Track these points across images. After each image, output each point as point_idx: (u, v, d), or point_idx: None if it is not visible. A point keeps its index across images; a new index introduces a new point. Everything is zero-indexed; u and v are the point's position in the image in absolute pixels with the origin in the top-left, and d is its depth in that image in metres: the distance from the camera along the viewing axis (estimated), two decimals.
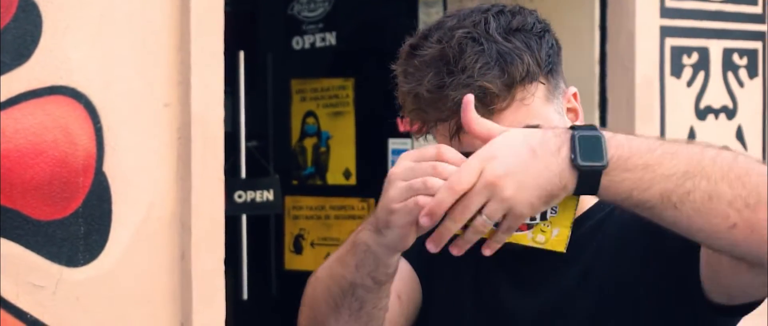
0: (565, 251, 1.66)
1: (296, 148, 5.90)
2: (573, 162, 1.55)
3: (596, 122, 4.63)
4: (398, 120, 4.55)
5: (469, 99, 1.62)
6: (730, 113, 4.85)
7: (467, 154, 1.59)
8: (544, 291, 1.85)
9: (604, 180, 1.56)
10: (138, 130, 3.14)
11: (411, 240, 1.62)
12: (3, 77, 2.89)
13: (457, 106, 1.69)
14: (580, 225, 1.80)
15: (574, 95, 1.87)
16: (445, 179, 1.54)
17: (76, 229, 3.01)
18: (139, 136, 3.14)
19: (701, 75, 4.75)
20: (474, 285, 1.90)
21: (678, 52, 4.67)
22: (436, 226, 1.57)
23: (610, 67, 4.64)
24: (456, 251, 1.60)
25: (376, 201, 1.63)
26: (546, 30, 1.81)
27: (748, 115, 4.88)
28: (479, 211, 1.55)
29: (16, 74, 2.91)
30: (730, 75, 4.84)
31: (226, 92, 3.35)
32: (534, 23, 1.79)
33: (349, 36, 5.75)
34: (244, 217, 5.41)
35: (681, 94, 4.70)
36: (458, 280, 1.91)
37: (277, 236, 6.01)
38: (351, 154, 5.66)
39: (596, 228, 1.86)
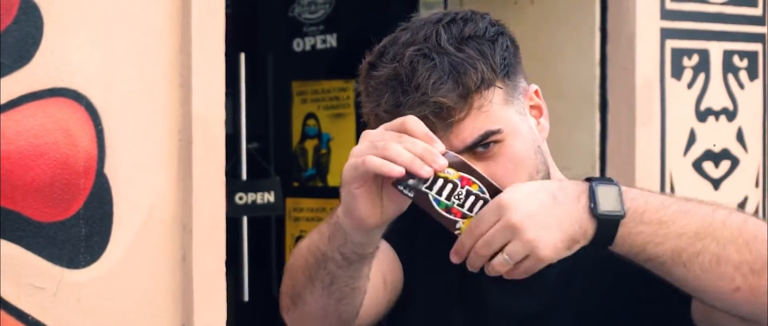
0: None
1: (297, 150, 5.91)
2: (592, 210, 1.57)
3: (596, 124, 4.63)
4: None
5: None
6: (731, 115, 4.85)
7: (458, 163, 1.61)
8: (527, 295, 1.86)
9: (622, 231, 1.58)
10: (139, 131, 3.14)
11: (366, 207, 1.61)
12: (4, 79, 2.89)
13: None
14: None
15: (536, 92, 1.88)
16: (407, 148, 1.56)
17: (77, 231, 3.02)
18: (140, 138, 3.14)
19: (701, 77, 4.75)
20: (462, 283, 1.90)
21: (678, 54, 4.67)
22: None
23: (610, 69, 4.64)
24: (457, 260, 1.61)
25: None
26: (499, 33, 1.81)
27: (749, 117, 4.88)
28: (501, 249, 1.57)
29: (17, 76, 2.91)
30: (730, 77, 4.84)
31: (226, 94, 3.35)
32: (486, 28, 1.79)
33: (349, 38, 5.75)
34: (245, 219, 5.41)
35: (681, 95, 4.70)
36: (446, 275, 1.91)
37: (278, 238, 6.01)
38: None
39: None
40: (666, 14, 4.63)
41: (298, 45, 5.90)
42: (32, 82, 2.94)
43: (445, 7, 5.06)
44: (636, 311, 1.82)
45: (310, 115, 5.83)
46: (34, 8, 2.94)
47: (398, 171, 1.56)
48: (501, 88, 1.77)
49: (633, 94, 4.57)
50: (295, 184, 5.92)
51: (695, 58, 4.73)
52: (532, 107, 1.86)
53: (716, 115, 4.81)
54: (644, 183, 4.50)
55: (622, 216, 1.57)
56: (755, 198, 4.92)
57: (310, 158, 5.85)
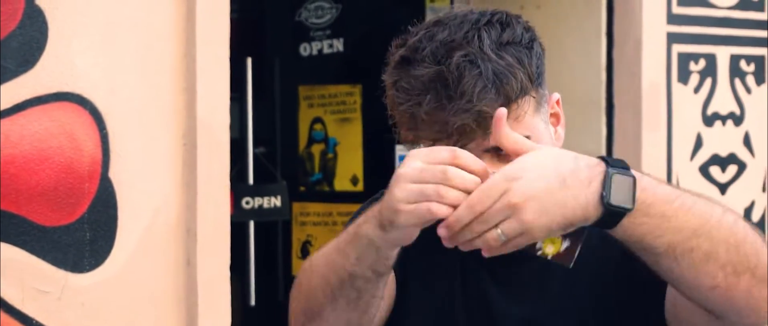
0: (571, 266, 1.65)
1: (303, 155, 5.91)
2: (603, 199, 1.56)
3: (603, 129, 4.62)
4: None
5: (502, 113, 1.63)
6: (738, 119, 4.85)
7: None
8: (530, 300, 1.86)
9: (625, 221, 1.57)
10: (143, 136, 3.14)
11: (415, 236, 1.61)
12: (9, 83, 2.90)
13: (454, 130, 1.71)
14: None
15: (557, 102, 1.88)
16: (456, 187, 1.54)
17: (81, 235, 3.02)
18: (144, 142, 3.15)
19: (708, 81, 4.75)
20: (463, 290, 1.89)
21: (685, 59, 4.67)
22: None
23: (616, 73, 4.63)
24: (446, 234, 1.60)
25: None
26: (533, 38, 1.82)
27: (756, 122, 4.87)
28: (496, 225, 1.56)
29: (22, 80, 2.92)
30: (737, 81, 4.83)
31: (233, 98, 3.35)
32: (522, 34, 1.79)
33: (356, 42, 5.75)
34: (251, 224, 5.41)
35: (688, 100, 4.69)
36: (445, 283, 1.91)
37: (284, 242, 6.01)
38: (358, 161, 5.66)
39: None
40: (672, 19, 4.62)
41: (305, 49, 5.91)
42: (37, 87, 2.95)
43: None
44: (627, 310, 1.83)
45: (317, 120, 5.83)
46: (38, 13, 2.95)
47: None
48: (533, 97, 1.78)
49: (639, 99, 4.56)
50: (302, 189, 5.92)
51: (702, 63, 4.72)
52: (551, 116, 1.86)
53: (723, 119, 4.80)
54: None
55: (629, 211, 1.56)
56: (762, 203, 4.91)
57: (316, 162, 5.85)
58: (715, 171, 4.79)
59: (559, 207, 1.54)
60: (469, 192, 1.54)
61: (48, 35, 2.96)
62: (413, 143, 1.80)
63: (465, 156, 1.56)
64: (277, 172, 5.76)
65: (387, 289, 1.83)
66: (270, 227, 5.89)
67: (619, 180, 1.56)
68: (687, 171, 4.69)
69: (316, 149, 5.85)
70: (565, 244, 1.64)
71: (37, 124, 2.93)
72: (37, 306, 2.96)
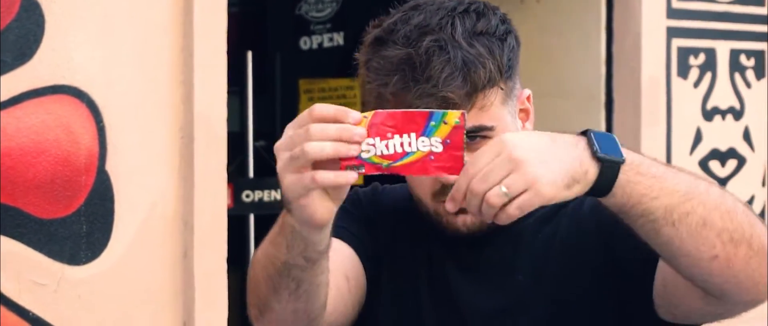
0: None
1: None
2: (594, 153, 1.57)
3: (602, 123, 4.62)
4: None
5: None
6: (737, 114, 4.85)
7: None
8: (496, 289, 1.86)
9: (622, 178, 1.58)
10: (140, 129, 3.15)
11: (320, 210, 1.57)
12: (5, 76, 2.90)
13: None
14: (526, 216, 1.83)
15: (528, 98, 1.89)
16: (321, 139, 1.53)
17: (78, 228, 3.02)
18: (141, 135, 3.15)
19: (708, 76, 4.75)
20: (429, 279, 1.89)
21: (685, 53, 4.67)
22: None
23: (616, 67, 4.64)
24: (452, 207, 1.59)
25: None
26: (508, 31, 1.82)
27: (755, 116, 4.87)
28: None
29: (19, 73, 2.92)
30: (737, 76, 4.83)
31: (234, 92, 3.35)
32: (497, 25, 1.80)
33: (357, 36, 5.72)
34: (251, 217, 5.42)
35: (688, 94, 4.69)
36: (412, 271, 1.91)
37: None
38: None
39: (544, 221, 1.88)
40: (672, 13, 4.62)
41: (306, 43, 5.91)
42: (33, 80, 2.95)
43: None
44: (605, 295, 1.83)
45: None
46: (35, 6, 2.95)
47: (330, 178, 1.53)
48: (502, 90, 1.79)
49: (639, 93, 4.56)
50: None
51: (702, 57, 4.72)
52: (520, 111, 1.87)
53: (723, 114, 4.80)
54: None
55: (622, 162, 1.57)
56: (762, 198, 4.91)
57: None
58: (714, 165, 4.79)
59: (557, 161, 1.54)
60: (338, 140, 1.53)
61: (45, 28, 2.96)
62: None
63: (319, 108, 1.55)
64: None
65: (352, 282, 1.83)
66: (270, 221, 5.87)
67: (601, 136, 1.59)
68: (686, 165, 4.68)
69: None
70: None
71: (34, 117, 2.94)
72: (34, 298, 2.96)
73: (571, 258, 1.84)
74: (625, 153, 1.59)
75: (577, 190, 1.57)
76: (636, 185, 1.58)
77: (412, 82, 1.73)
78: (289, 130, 1.57)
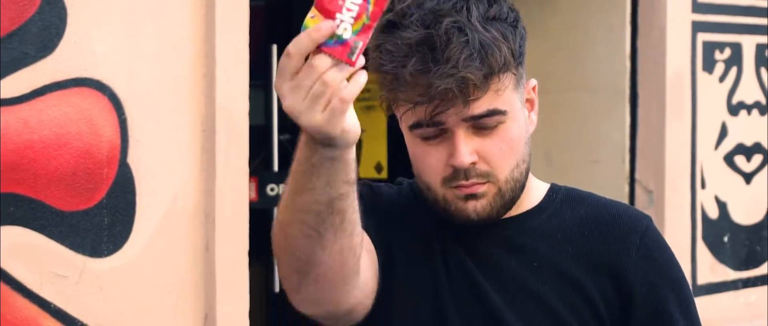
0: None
1: None
2: None
3: (627, 118, 4.61)
4: None
5: None
6: (763, 109, 4.82)
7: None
8: (504, 278, 1.88)
9: None
10: (162, 121, 3.16)
11: (352, 119, 1.61)
12: (28, 69, 2.91)
13: (436, 94, 1.74)
14: (537, 214, 1.88)
15: (534, 88, 1.91)
16: (334, 78, 1.57)
17: (100, 220, 3.04)
18: (163, 128, 3.16)
19: (733, 70, 4.73)
20: (443, 259, 1.90)
21: (710, 48, 4.65)
22: None
23: (641, 62, 4.62)
24: None
25: None
26: (517, 19, 1.84)
27: None
28: None
29: (41, 66, 2.93)
30: (762, 70, 4.81)
31: (258, 85, 3.35)
32: (508, 12, 1.82)
33: None
34: (276, 210, 5.42)
35: (713, 89, 4.67)
36: (427, 253, 1.91)
37: None
38: (383, 148, 5.66)
39: (554, 215, 1.92)
40: (697, 7, 4.60)
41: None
42: (56, 72, 2.96)
43: None
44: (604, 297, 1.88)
45: None
46: None
47: (354, 89, 1.58)
48: (514, 75, 1.81)
49: (664, 88, 4.55)
50: None
51: (727, 52, 4.70)
52: (526, 100, 1.89)
53: (748, 108, 4.78)
54: (674, 176, 4.48)
55: None
56: None
57: None
58: (740, 160, 4.77)
59: None
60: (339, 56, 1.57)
61: (67, 21, 2.97)
62: (386, 110, 1.85)
63: (294, 52, 1.62)
64: None
65: (372, 256, 1.84)
66: None
67: None
68: (711, 160, 4.67)
69: None
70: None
71: (56, 110, 2.95)
72: (56, 290, 2.98)
73: (599, 259, 1.89)
74: None
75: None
76: None
77: (432, 63, 1.75)
78: (286, 89, 1.64)
